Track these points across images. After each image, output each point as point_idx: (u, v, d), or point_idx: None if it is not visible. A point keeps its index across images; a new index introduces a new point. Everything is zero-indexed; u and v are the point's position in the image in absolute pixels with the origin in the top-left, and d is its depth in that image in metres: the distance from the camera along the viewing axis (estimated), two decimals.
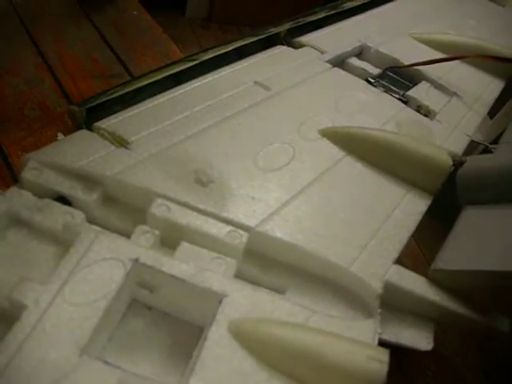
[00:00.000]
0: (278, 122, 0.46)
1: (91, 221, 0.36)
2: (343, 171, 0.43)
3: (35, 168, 0.38)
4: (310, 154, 0.44)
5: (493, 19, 0.75)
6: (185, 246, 0.35)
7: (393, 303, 0.38)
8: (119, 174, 0.38)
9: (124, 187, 0.38)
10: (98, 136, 0.41)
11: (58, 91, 0.54)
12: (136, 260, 0.33)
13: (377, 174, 0.44)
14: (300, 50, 0.56)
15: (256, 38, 0.55)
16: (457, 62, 0.58)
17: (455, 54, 0.58)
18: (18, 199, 0.36)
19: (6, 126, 0.49)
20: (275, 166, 0.42)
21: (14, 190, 0.37)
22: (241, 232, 0.36)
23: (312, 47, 0.56)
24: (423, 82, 0.56)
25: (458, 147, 0.48)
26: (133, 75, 0.59)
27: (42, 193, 0.37)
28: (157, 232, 0.35)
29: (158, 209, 0.36)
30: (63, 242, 0.35)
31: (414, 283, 0.38)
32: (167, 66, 0.48)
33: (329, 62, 0.55)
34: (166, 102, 0.46)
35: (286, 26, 0.57)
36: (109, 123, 0.42)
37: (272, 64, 0.53)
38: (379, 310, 0.36)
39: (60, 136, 0.47)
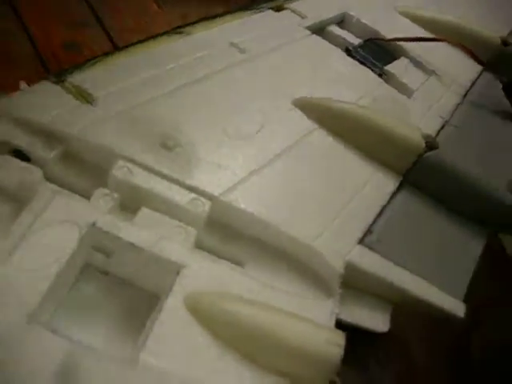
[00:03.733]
0: (251, 88, 0.44)
1: (50, 179, 0.34)
2: (313, 144, 0.42)
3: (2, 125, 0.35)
4: (281, 124, 0.42)
5: None
6: (145, 212, 0.34)
7: (352, 283, 0.38)
8: (81, 131, 0.36)
9: (85, 145, 0.36)
10: (61, 89, 0.39)
11: (24, 36, 0.50)
12: (93, 224, 0.31)
13: (347, 150, 0.43)
14: (280, 13, 0.54)
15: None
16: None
17: (438, 34, 0.57)
18: None
19: None
20: (244, 135, 0.40)
21: None
22: (203, 200, 0.35)
23: (293, 11, 0.54)
24: (402, 57, 0.55)
25: (432, 128, 0.48)
26: (105, 27, 0.56)
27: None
28: (116, 195, 0.34)
29: (119, 171, 0.35)
30: (19, 200, 0.33)
31: (376, 265, 0.38)
32: (151, 38, 0.46)
33: (308, 28, 0.53)
34: (138, 59, 0.43)
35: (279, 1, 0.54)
36: (74, 77, 0.40)
37: (250, 26, 0.51)
38: (339, 290, 0.35)
39: (22, 85, 0.45)
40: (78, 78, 0.40)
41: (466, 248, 0.44)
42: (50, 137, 0.36)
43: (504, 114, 0.55)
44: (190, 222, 0.34)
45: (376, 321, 0.38)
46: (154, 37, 0.47)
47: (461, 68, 0.57)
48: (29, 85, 0.41)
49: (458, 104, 0.52)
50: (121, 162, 0.35)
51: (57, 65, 0.51)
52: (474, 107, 0.53)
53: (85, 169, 0.36)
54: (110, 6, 0.58)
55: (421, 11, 0.60)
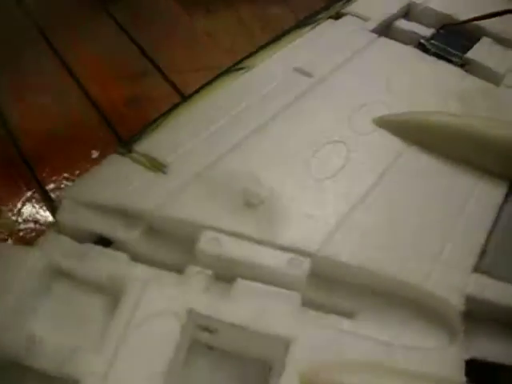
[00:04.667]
0: (326, 116, 0.41)
1: (136, 258, 0.34)
2: (407, 167, 0.38)
3: (70, 209, 0.35)
4: (367, 150, 0.39)
5: None
6: (241, 284, 0.32)
7: (476, 316, 0.34)
8: (159, 206, 0.35)
9: (166, 220, 0.35)
10: (131, 161, 0.38)
11: (87, 102, 0.50)
12: (190, 311, 0.30)
13: (444, 165, 0.39)
14: (341, 20, 0.50)
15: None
16: None
17: None
18: (57, 247, 0.34)
19: (39, 152, 0.46)
20: (330, 172, 0.37)
21: (51, 236, 0.35)
22: (301, 259, 0.33)
23: (354, 15, 0.50)
24: (484, 38, 0.49)
25: None
26: (163, 71, 0.55)
27: (80, 235, 0.34)
28: (209, 272, 0.32)
29: (207, 244, 0.33)
30: (110, 293, 0.32)
31: (499, 292, 0.34)
32: (212, 80, 0.44)
33: (374, 30, 0.48)
34: (202, 110, 0.42)
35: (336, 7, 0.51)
36: (141, 145, 0.39)
37: (311, 43, 0.47)
38: (463, 328, 0.32)
39: (94, 154, 0.44)
40: (145, 146, 0.39)
41: None
42: (129, 216, 0.35)
43: None
44: (291, 285, 0.32)
45: (509, 353, 0.34)
46: (214, 79, 0.45)
47: None
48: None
49: None
50: (207, 234, 0.33)
51: (122, 124, 0.50)
52: None
53: (171, 243, 0.35)
54: (163, 48, 0.56)
55: None
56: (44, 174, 0.45)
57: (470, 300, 0.33)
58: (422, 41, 0.49)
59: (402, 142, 0.40)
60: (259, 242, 0.33)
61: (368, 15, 0.50)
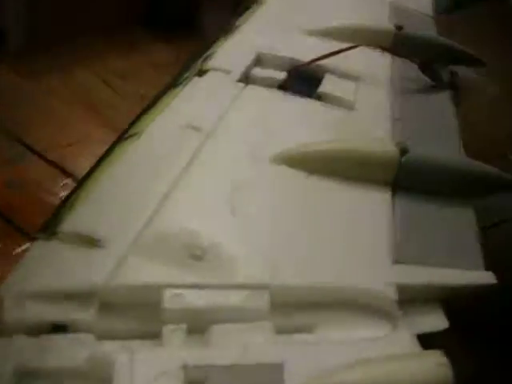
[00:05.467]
0: (229, 165, 0.45)
1: (101, 337, 0.33)
2: (311, 193, 0.44)
3: (14, 305, 0.33)
4: (276, 188, 0.44)
5: None
6: (216, 329, 0.34)
7: (406, 299, 0.40)
8: (109, 280, 0.35)
9: (121, 291, 0.35)
10: (59, 243, 0.37)
11: None
12: (185, 367, 0.31)
13: (341, 185, 0.45)
14: (206, 76, 0.54)
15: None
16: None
17: (342, 41, 0.60)
18: (16, 349, 0.32)
19: None
20: (252, 213, 0.41)
21: (3, 342, 0.32)
22: (260, 291, 0.36)
23: (216, 70, 0.55)
24: (327, 74, 0.58)
25: (387, 130, 0.51)
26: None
27: (34, 329, 0.33)
28: (184, 326, 0.33)
29: (171, 301, 0.34)
30: (93, 377, 0.31)
31: (419, 275, 0.40)
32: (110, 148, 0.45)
33: (239, 81, 0.54)
34: (110, 181, 0.42)
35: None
36: (65, 225, 0.38)
37: (189, 99, 0.51)
38: (400, 313, 0.38)
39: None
40: (70, 225, 0.39)
41: (464, 223, 0.48)
42: (78, 296, 0.34)
43: (427, 88, 0.60)
44: (259, 317, 0.35)
45: (436, 321, 0.41)
46: (109, 149, 0.46)
47: (375, 64, 0.61)
48: None
49: (392, 97, 0.56)
50: (167, 292, 0.34)
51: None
52: (405, 94, 0.57)
53: (128, 311, 0.35)
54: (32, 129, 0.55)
55: (319, 25, 0.63)
56: None
57: (400, 288, 0.39)
58: (280, 83, 0.55)
59: (302, 173, 0.45)
60: (217, 287, 0.35)
61: (228, 68, 0.55)
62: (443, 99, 0.61)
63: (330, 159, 0.45)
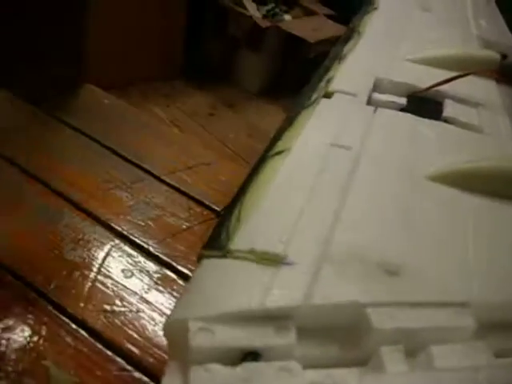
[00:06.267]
0: (389, 183, 0.44)
1: (306, 365, 0.30)
2: (480, 214, 0.43)
3: (201, 329, 0.30)
4: (441, 205, 0.43)
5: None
6: (435, 350, 0.32)
7: None
8: (307, 299, 0.32)
9: (322, 311, 0.33)
10: (234, 261, 0.35)
11: None
12: None
13: (495, 202, 0.44)
14: (333, 98, 0.54)
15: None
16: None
17: (448, 69, 0.61)
18: (216, 379, 0.29)
19: None
20: (425, 231, 0.40)
21: (197, 372, 0.29)
22: (463, 309, 0.34)
23: (341, 93, 0.54)
24: (446, 100, 0.58)
25: None
26: None
27: (227, 358, 0.30)
28: (401, 347, 0.31)
29: (381, 320, 0.32)
30: None
31: None
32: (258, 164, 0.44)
33: (368, 103, 0.54)
34: (272, 195, 0.41)
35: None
36: (238, 242, 0.36)
37: (326, 120, 0.50)
38: None
39: None
40: (244, 242, 0.37)
41: None
42: (274, 320, 0.32)
43: None
44: (467, 336, 0.33)
45: None
46: (257, 165, 0.45)
47: (486, 91, 0.61)
48: None
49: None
50: (369, 310, 0.32)
51: None
52: None
53: (328, 334, 0.33)
54: None
55: (429, 53, 0.64)
56: None
57: None
58: (402, 108, 0.55)
59: (456, 191, 0.44)
60: (422, 305, 0.34)
61: (353, 92, 0.55)
62: None
63: (484, 177, 0.45)
